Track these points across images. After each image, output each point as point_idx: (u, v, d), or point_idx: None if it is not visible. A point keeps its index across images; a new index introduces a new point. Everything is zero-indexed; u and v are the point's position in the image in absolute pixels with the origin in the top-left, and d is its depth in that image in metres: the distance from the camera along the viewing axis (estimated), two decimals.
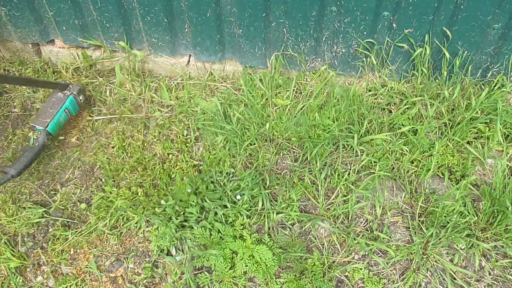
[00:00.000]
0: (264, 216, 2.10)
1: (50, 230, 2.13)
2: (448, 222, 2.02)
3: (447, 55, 2.29)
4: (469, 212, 2.06)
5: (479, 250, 1.99)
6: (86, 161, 2.34)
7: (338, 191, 2.16)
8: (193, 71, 2.65)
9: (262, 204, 2.11)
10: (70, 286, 1.98)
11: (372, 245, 2.01)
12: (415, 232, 2.05)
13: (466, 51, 2.29)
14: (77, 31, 2.56)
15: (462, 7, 2.10)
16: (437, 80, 2.39)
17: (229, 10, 2.29)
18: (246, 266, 1.91)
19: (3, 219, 2.13)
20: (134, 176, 2.25)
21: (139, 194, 2.17)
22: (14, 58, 2.76)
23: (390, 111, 2.41)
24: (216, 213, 2.08)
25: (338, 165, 2.21)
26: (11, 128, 2.46)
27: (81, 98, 2.38)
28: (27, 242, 2.09)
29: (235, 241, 1.98)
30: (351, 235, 2.04)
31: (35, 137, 2.25)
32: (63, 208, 2.19)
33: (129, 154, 2.34)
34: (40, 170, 2.31)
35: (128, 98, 2.54)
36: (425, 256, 1.99)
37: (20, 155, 2.24)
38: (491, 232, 2.02)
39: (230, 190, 2.14)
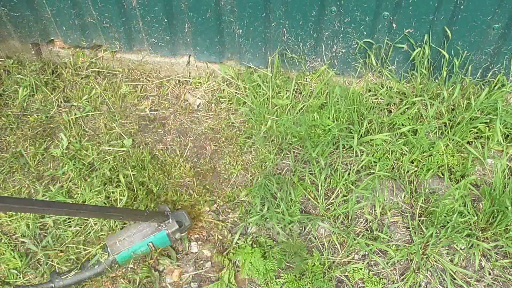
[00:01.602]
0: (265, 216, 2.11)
1: (50, 230, 2.13)
2: (448, 222, 2.02)
3: (447, 55, 2.29)
4: (469, 212, 2.06)
5: (479, 250, 1.99)
6: None
7: (338, 191, 2.16)
8: (193, 71, 2.65)
9: (268, 209, 2.11)
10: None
11: (372, 245, 2.01)
12: (415, 232, 2.05)
13: (466, 51, 2.29)
14: (77, 31, 2.56)
15: (462, 7, 2.10)
16: (437, 80, 2.39)
17: (229, 10, 2.29)
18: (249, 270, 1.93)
19: (3, 219, 2.13)
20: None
21: (139, 192, 2.17)
22: (14, 58, 2.76)
23: (390, 111, 2.41)
24: None
25: (338, 165, 2.21)
26: None
27: (177, 236, 1.93)
28: (27, 242, 2.09)
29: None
30: (351, 235, 2.04)
31: (100, 259, 1.90)
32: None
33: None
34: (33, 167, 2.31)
35: None
36: (425, 256, 1.99)
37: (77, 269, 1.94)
38: (491, 232, 2.02)
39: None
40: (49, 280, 1.90)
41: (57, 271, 1.96)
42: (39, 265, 2.03)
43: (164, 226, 1.89)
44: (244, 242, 2.02)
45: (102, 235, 2.07)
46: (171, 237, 1.91)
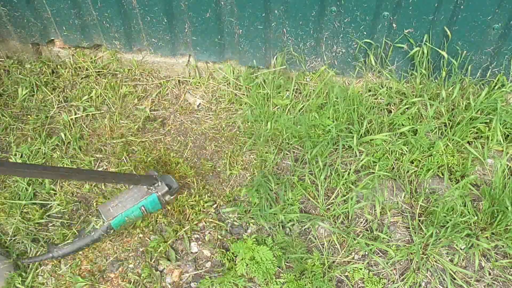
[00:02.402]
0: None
1: (50, 230, 2.13)
2: (448, 222, 2.02)
3: (447, 55, 2.29)
4: (469, 212, 2.06)
5: (479, 250, 1.99)
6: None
7: (338, 191, 2.16)
8: (193, 71, 2.65)
9: (267, 208, 2.11)
10: (70, 286, 1.98)
11: (372, 245, 2.01)
12: (415, 232, 2.05)
13: (466, 51, 2.29)
14: (77, 31, 2.56)
15: (462, 7, 2.10)
16: (436, 80, 2.39)
17: (229, 10, 2.29)
18: (247, 266, 1.91)
19: (3, 219, 2.13)
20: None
21: None
22: (14, 58, 2.76)
23: (390, 111, 2.41)
24: None
25: (338, 165, 2.21)
26: None
27: (167, 198, 2.00)
28: (27, 242, 2.09)
29: (236, 242, 1.98)
30: (351, 235, 2.04)
31: (95, 225, 1.96)
32: (63, 208, 2.19)
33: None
34: None
35: None
36: (425, 256, 1.99)
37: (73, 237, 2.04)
38: (491, 232, 2.02)
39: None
40: (47, 251, 1.96)
41: (53, 242, 2.02)
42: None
43: (154, 189, 1.95)
44: (247, 236, 2.01)
45: None
46: (161, 200, 1.98)
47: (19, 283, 1.94)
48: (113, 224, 1.93)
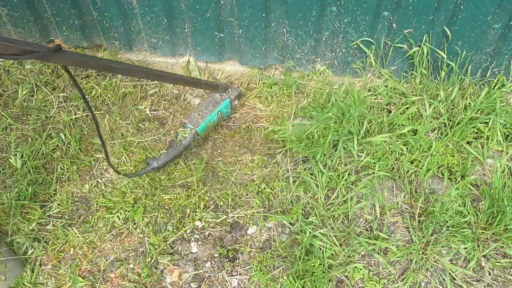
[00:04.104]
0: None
1: (50, 230, 2.13)
2: (448, 222, 2.02)
3: (446, 55, 2.29)
4: (468, 212, 2.06)
5: (479, 250, 1.99)
6: None
7: (338, 191, 2.16)
8: (193, 71, 2.65)
9: (267, 208, 2.11)
10: (70, 286, 1.98)
11: (373, 245, 2.01)
12: (415, 232, 2.05)
13: (466, 51, 2.29)
14: (77, 31, 2.56)
15: (462, 7, 2.10)
16: (436, 80, 2.39)
17: (229, 10, 2.29)
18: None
19: (3, 219, 2.13)
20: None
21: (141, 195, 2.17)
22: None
23: (390, 111, 2.41)
24: None
25: (338, 165, 2.21)
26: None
27: (236, 103, 2.35)
28: (28, 242, 2.09)
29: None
30: (351, 235, 2.04)
31: (183, 134, 2.20)
32: (63, 209, 2.19)
33: None
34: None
35: None
36: (425, 256, 1.99)
37: (165, 148, 2.24)
38: (491, 232, 2.02)
39: None
40: (147, 164, 2.15)
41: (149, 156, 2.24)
42: None
43: (226, 95, 2.30)
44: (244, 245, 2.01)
45: None
46: (232, 104, 2.34)
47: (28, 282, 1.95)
48: (199, 130, 2.22)
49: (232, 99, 2.32)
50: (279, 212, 2.11)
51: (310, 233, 2.04)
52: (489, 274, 1.97)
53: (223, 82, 2.36)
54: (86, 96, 2.58)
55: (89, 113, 2.53)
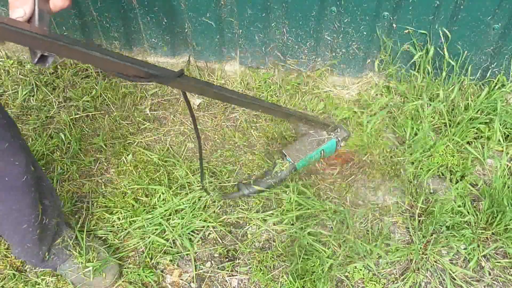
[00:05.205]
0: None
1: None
2: (448, 222, 2.02)
3: (447, 55, 2.29)
4: (468, 212, 2.06)
5: (479, 250, 1.99)
6: None
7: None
8: (193, 71, 2.65)
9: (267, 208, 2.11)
10: (70, 286, 1.98)
11: (373, 245, 2.01)
12: (415, 232, 2.05)
13: (466, 51, 2.30)
14: (77, 31, 2.56)
15: (462, 7, 2.10)
16: (436, 80, 2.40)
17: (229, 10, 2.29)
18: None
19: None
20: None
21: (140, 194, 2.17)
22: (14, 58, 2.76)
23: (390, 111, 2.41)
24: None
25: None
26: None
27: (342, 144, 2.23)
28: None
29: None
30: (351, 235, 2.04)
31: (281, 167, 2.12)
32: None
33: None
34: None
35: None
36: (425, 256, 1.99)
37: (260, 176, 2.17)
38: (491, 232, 2.02)
39: None
40: (238, 189, 2.13)
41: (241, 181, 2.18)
42: None
43: (333, 134, 2.19)
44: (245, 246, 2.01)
45: None
46: (338, 145, 2.21)
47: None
48: (297, 165, 2.14)
49: (339, 140, 2.19)
50: (279, 212, 2.11)
51: (310, 233, 2.05)
52: (489, 274, 1.97)
53: (334, 121, 2.29)
54: (86, 96, 2.59)
55: (89, 113, 2.54)
